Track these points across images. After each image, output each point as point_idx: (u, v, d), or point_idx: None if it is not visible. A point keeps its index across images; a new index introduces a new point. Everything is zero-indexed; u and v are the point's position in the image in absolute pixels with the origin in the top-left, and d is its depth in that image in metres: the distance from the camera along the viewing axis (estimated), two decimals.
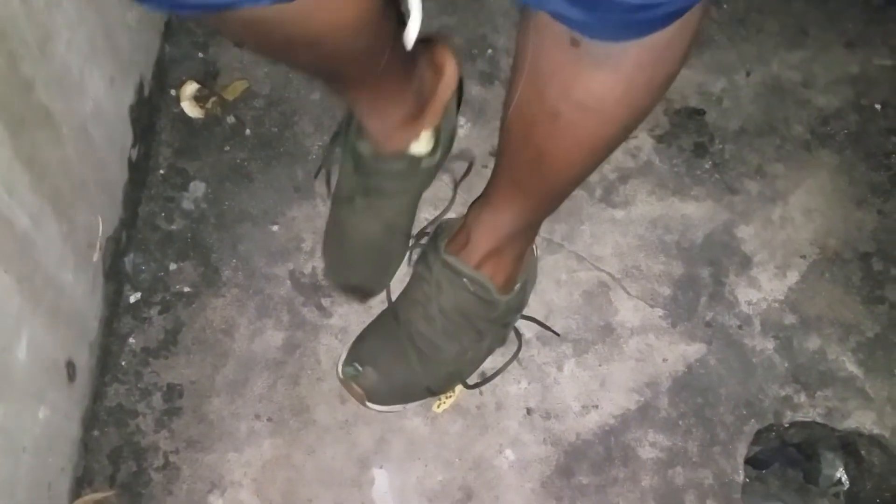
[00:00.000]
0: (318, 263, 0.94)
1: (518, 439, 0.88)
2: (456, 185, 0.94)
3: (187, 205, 0.97)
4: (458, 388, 0.88)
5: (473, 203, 0.84)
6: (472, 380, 0.88)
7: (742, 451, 0.87)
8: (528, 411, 0.89)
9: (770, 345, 0.92)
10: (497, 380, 0.90)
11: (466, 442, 0.87)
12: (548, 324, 0.91)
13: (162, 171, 0.99)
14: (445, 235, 0.84)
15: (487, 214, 0.80)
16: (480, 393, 0.90)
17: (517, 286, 0.85)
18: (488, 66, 1.03)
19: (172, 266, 0.94)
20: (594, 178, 0.98)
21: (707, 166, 0.99)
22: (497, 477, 0.86)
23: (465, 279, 0.81)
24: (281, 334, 0.91)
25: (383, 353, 0.84)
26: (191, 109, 1.02)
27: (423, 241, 0.90)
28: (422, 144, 0.82)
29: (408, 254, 0.92)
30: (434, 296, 0.82)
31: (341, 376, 0.85)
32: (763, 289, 0.94)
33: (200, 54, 1.05)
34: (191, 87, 1.02)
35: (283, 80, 1.02)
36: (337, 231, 0.89)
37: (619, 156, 0.99)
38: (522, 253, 0.85)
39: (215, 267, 0.94)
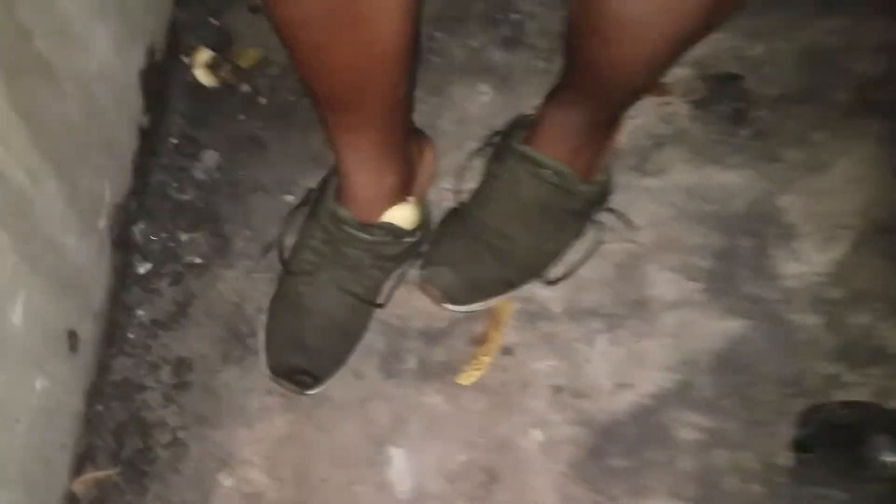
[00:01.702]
0: None
1: (546, 419, 0.82)
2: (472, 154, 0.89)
3: (200, 174, 0.93)
4: (487, 359, 0.83)
5: (549, 95, 0.78)
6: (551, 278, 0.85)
7: (787, 432, 0.81)
8: (557, 390, 0.84)
9: (815, 320, 0.86)
10: (521, 356, 0.85)
11: (490, 421, 0.82)
12: (576, 298, 0.85)
13: (174, 140, 0.95)
14: (519, 132, 0.80)
15: (560, 110, 0.76)
16: (505, 370, 0.84)
17: (600, 177, 0.81)
18: (512, 31, 0.98)
19: (184, 237, 0.90)
20: (626, 145, 0.92)
21: (746, 134, 0.93)
22: (523, 458, 0.81)
23: (545, 170, 0.77)
24: None
25: (456, 252, 0.82)
26: (204, 77, 0.98)
27: (495, 140, 0.85)
28: (408, 216, 0.78)
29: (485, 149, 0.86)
30: (510, 190, 0.79)
31: (419, 279, 0.82)
32: (807, 261, 0.88)
33: (214, 20, 1.01)
34: (204, 54, 0.98)
35: None
36: (290, 307, 0.80)
37: (652, 122, 0.94)
38: (603, 143, 0.80)
39: (227, 238, 0.90)
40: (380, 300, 0.82)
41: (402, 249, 0.79)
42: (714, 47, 0.97)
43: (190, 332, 0.86)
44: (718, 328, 0.86)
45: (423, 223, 0.81)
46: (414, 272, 0.83)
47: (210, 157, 0.94)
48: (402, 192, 0.77)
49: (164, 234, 0.90)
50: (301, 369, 0.79)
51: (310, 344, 0.79)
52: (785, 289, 0.87)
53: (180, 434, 0.82)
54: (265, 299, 0.86)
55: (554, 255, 0.84)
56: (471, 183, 0.86)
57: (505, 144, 0.81)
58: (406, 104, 0.72)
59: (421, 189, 0.83)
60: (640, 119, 0.94)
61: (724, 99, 0.95)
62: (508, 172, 0.79)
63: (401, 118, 0.71)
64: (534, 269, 0.83)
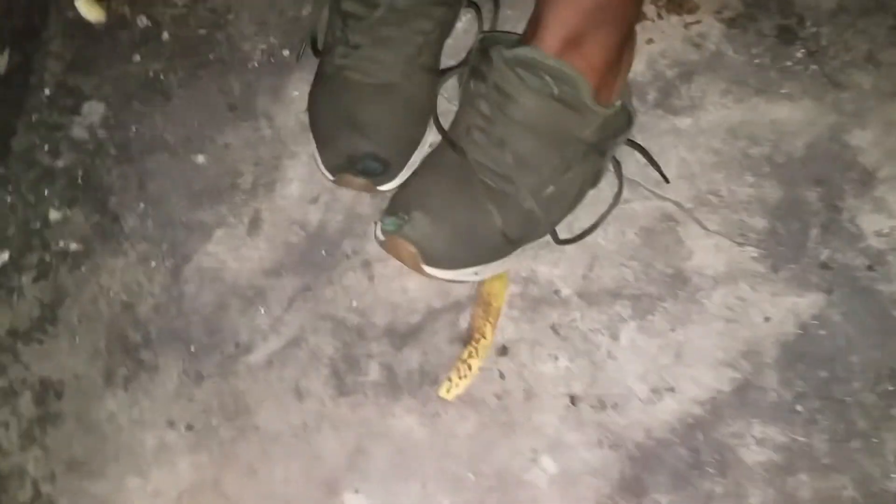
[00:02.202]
0: (262, 205, 0.66)
1: (560, 441, 0.59)
2: (481, 25, 0.68)
3: (79, 132, 0.69)
4: (477, 362, 0.60)
5: None
6: (562, 235, 0.62)
7: (893, 444, 0.58)
8: (573, 400, 0.61)
9: None
10: (523, 356, 0.62)
11: (483, 447, 0.59)
12: (592, 275, 0.63)
13: (47, 91, 0.71)
14: (506, 42, 0.58)
15: None
16: (501, 376, 0.61)
17: (618, 102, 0.59)
18: None
19: (54, 214, 0.67)
20: (645, 76, 0.70)
21: (799, 55, 0.71)
22: (531, 498, 0.57)
23: (545, 75, 0.55)
24: (209, 304, 0.63)
25: (436, 191, 0.58)
26: (88, 10, 0.74)
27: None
28: None
29: (449, 76, 0.66)
30: (499, 109, 0.57)
31: (381, 237, 0.58)
32: (894, 213, 0.66)
33: None
34: None
35: None
36: (331, 87, 0.63)
37: (676, 46, 0.72)
38: (620, 41, 0.59)
39: (115, 214, 0.66)
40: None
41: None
42: None
43: (59, 344, 0.62)
44: (786, 307, 0.63)
45: None
46: (378, 225, 0.59)
47: (93, 110, 0.70)
48: None
49: (26, 212, 0.66)
50: (362, 153, 0.61)
51: (366, 120, 0.62)
52: (871, 251, 0.65)
53: (45, 488, 0.57)
54: (165, 294, 0.62)
55: (562, 205, 0.62)
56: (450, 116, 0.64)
57: (485, 54, 0.58)
58: None
59: None
60: (661, 43, 0.72)
61: (766, 14, 0.73)
62: (493, 86, 0.57)
63: None
64: (539, 221, 0.60)
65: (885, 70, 0.71)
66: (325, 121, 0.64)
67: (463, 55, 0.70)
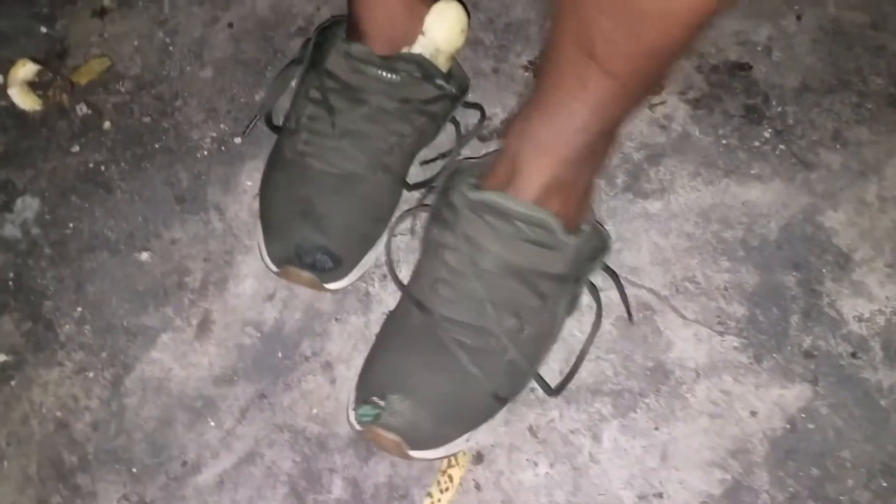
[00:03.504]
0: (212, 305, 0.61)
1: None
2: (460, 137, 0.66)
3: (11, 231, 0.64)
4: (459, 472, 0.55)
5: (513, 119, 0.55)
6: (552, 379, 0.58)
7: None
8: None
9: None
10: (500, 462, 0.58)
11: None
12: (570, 376, 0.59)
13: None
14: (471, 174, 0.55)
15: (540, 126, 0.50)
16: (477, 487, 0.57)
17: (587, 226, 0.55)
18: None
19: None
20: (613, 160, 0.68)
21: (766, 135, 0.71)
22: None
23: (518, 222, 0.51)
24: (152, 419, 0.57)
25: (409, 367, 0.53)
26: (23, 99, 0.70)
27: (429, 198, 0.62)
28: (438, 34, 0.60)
29: (403, 220, 0.62)
30: (468, 260, 0.52)
31: (357, 427, 0.52)
32: (876, 297, 0.64)
33: (43, 28, 0.74)
34: (25, 70, 0.71)
35: (159, 55, 0.72)
36: (290, 171, 0.60)
37: (642, 128, 0.70)
38: (593, 181, 0.56)
39: (49, 321, 0.61)
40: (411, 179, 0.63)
41: (434, 99, 0.61)
42: (710, 32, 0.75)
43: None
44: (771, 400, 0.60)
45: (459, 79, 0.65)
46: (351, 413, 0.54)
47: (27, 206, 0.65)
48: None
49: None
50: (314, 245, 0.57)
51: (322, 212, 0.58)
52: (854, 337, 0.63)
53: None
54: (104, 410, 0.57)
55: (544, 345, 0.58)
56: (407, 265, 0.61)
57: (446, 199, 0.55)
58: None
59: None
60: (627, 126, 0.70)
61: (731, 94, 0.72)
62: (461, 236, 0.53)
63: None
64: (523, 369, 0.56)
65: (852, 149, 0.70)
66: (277, 208, 0.59)
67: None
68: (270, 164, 0.62)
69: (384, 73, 0.58)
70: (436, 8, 0.61)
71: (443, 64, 0.62)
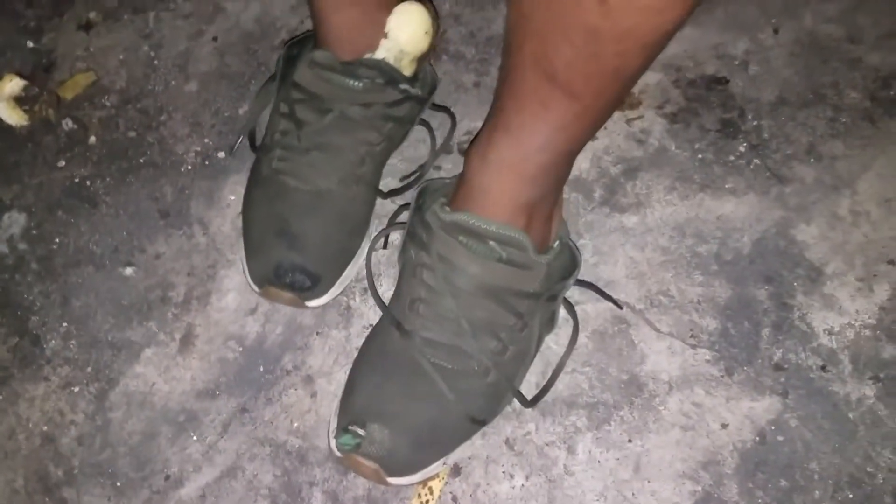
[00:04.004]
0: (195, 320, 0.63)
1: None
2: (434, 145, 0.66)
3: None
4: (440, 484, 0.57)
5: (474, 140, 0.55)
6: (528, 391, 0.60)
7: None
8: None
9: (869, 390, 0.63)
10: (477, 475, 0.59)
11: None
12: (547, 388, 0.60)
13: None
14: (440, 195, 0.57)
15: (504, 147, 0.50)
16: (454, 500, 0.58)
17: (556, 244, 0.57)
18: None
19: None
20: (590, 173, 0.69)
21: (742, 149, 0.72)
22: None
23: (490, 242, 0.52)
24: (136, 433, 0.59)
25: (388, 394, 0.54)
26: (9, 114, 0.71)
27: (400, 219, 0.64)
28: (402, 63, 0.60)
29: (379, 240, 0.63)
30: (444, 279, 0.54)
31: (338, 454, 0.54)
32: (846, 311, 0.65)
33: (29, 42, 0.75)
34: (11, 84, 0.71)
35: (144, 68, 0.73)
36: (267, 190, 0.61)
37: (619, 142, 0.71)
38: (557, 199, 0.57)
39: (35, 336, 0.62)
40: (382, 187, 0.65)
41: (400, 103, 0.61)
42: (687, 46, 0.76)
43: None
44: (742, 412, 0.62)
45: (426, 80, 0.64)
46: (332, 441, 0.55)
47: (13, 222, 0.66)
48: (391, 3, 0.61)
49: None
50: (292, 265, 0.58)
51: (298, 231, 0.59)
52: (823, 350, 0.64)
53: None
54: (90, 424, 0.58)
55: (525, 362, 0.59)
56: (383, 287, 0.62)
57: (421, 217, 0.56)
58: None
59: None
60: (604, 139, 0.72)
61: (708, 108, 0.73)
62: (436, 256, 0.54)
63: None
64: (505, 389, 0.57)
65: (826, 163, 0.71)
66: (256, 227, 0.61)
67: (411, 164, 0.68)
68: (250, 180, 0.63)
69: (347, 80, 0.58)
70: (398, 9, 0.61)
71: (407, 66, 0.62)
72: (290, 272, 0.58)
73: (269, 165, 0.61)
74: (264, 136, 0.64)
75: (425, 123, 0.67)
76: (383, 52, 0.60)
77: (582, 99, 0.45)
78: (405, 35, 0.60)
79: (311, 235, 0.59)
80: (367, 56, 0.59)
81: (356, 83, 0.58)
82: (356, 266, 0.63)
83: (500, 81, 0.50)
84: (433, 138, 0.67)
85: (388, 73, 0.59)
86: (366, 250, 0.62)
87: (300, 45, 0.63)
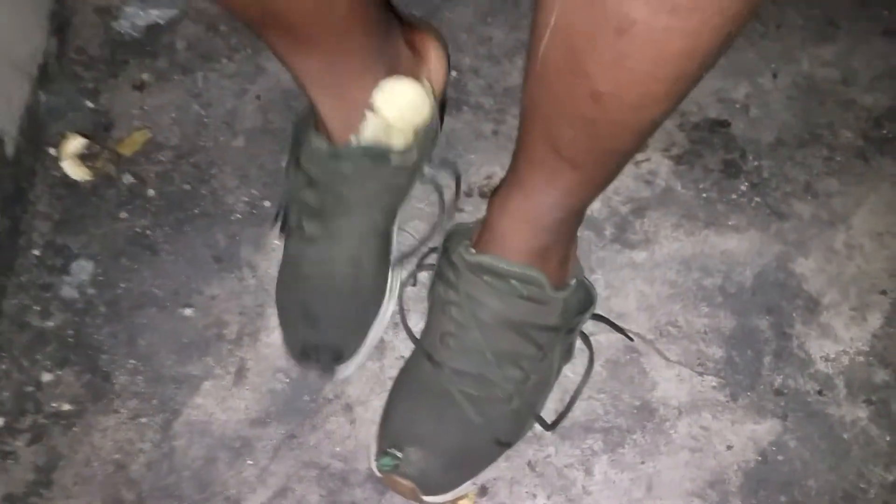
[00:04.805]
0: (247, 354, 0.69)
1: None
2: (443, 206, 0.71)
3: (68, 292, 0.73)
4: (472, 494, 0.63)
5: (497, 190, 0.61)
6: (548, 416, 0.66)
7: None
8: None
9: (862, 412, 0.68)
10: (502, 495, 0.65)
11: None
12: (565, 412, 0.66)
13: (36, 252, 0.75)
14: (464, 239, 0.62)
15: (520, 202, 0.57)
16: None
17: (573, 281, 0.63)
18: (453, 91, 0.82)
19: (46, 377, 0.69)
20: (601, 212, 0.75)
21: (743, 188, 0.77)
22: None
23: (512, 281, 0.59)
24: (198, 458, 0.66)
25: (422, 419, 0.61)
26: (74, 170, 0.78)
27: (427, 260, 0.70)
28: (394, 138, 0.62)
29: (409, 280, 0.70)
30: (471, 315, 0.60)
31: (378, 474, 0.62)
32: (841, 338, 0.71)
33: (89, 103, 0.82)
34: (75, 143, 0.79)
35: (195, 126, 0.80)
36: (290, 273, 0.67)
37: (628, 183, 0.77)
38: (571, 243, 0.64)
39: (106, 373, 0.69)
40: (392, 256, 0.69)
41: (394, 181, 0.64)
42: (693, 92, 0.82)
43: None
44: (745, 434, 0.67)
45: (419, 142, 0.64)
46: (373, 463, 0.63)
47: (82, 269, 0.73)
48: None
49: (19, 375, 0.69)
50: (315, 344, 0.65)
51: (317, 312, 0.65)
52: (820, 376, 0.70)
53: None
54: (156, 451, 0.65)
55: (545, 390, 0.65)
56: (414, 321, 0.70)
57: (448, 259, 0.62)
58: (365, 21, 0.56)
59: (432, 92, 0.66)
60: (615, 182, 0.77)
61: (711, 150, 0.79)
62: (463, 294, 0.60)
63: (368, 31, 0.56)
64: (527, 415, 0.64)
65: (822, 199, 0.77)
66: (284, 307, 0.68)
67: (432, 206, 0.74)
68: (282, 258, 0.69)
69: (337, 165, 0.61)
70: (384, 86, 0.60)
71: (398, 138, 0.62)
72: (314, 351, 0.65)
73: (288, 249, 0.67)
74: (288, 220, 0.68)
75: (434, 184, 0.70)
76: (370, 127, 0.60)
77: (585, 170, 0.51)
78: (391, 112, 0.60)
79: (329, 316, 0.65)
80: (353, 138, 0.60)
81: (346, 168, 0.61)
82: (375, 331, 0.68)
83: (516, 145, 0.57)
84: (442, 202, 0.71)
85: (375, 154, 0.61)
86: (384, 315, 0.68)
87: (304, 122, 0.65)
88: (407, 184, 0.67)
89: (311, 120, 0.63)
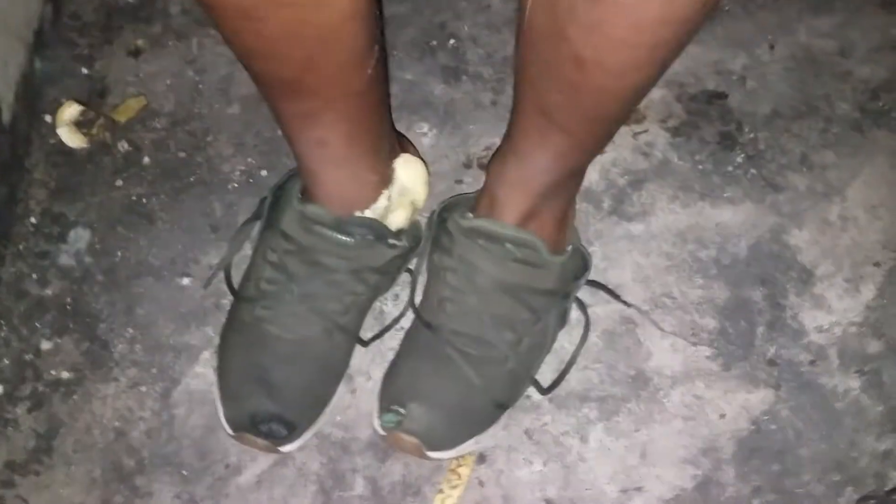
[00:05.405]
0: None
1: None
2: (413, 295, 0.67)
3: (66, 260, 0.72)
4: (467, 471, 0.64)
5: (493, 157, 0.63)
6: (545, 384, 0.66)
7: None
8: (548, 503, 0.65)
9: (855, 383, 0.69)
10: (500, 462, 0.66)
11: None
12: (560, 378, 0.67)
13: (33, 220, 0.74)
14: (461, 207, 0.63)
15: (514, 167, 0.58)
16: (481, 484, 0.65)
17: (569, 247, 0.64)
18: (452, 60, 0.82)
19: (45, 344, 0.69)
20: (599, 185, 0.76)
21: (739, 160, 0.78)
22: None
23: (506, 243, 0.60)
24: (198, 427, 0.66)
25: (424, 378, 0.62)
26: (70, 137, 0.78)
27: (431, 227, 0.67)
28: (396, 213, 0.63)
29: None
30: (467, 279, 0.61)
31: (381, 431, 0.62)
32: (834, 309, 0.72)
33: (84, 69, 0.82)
34: (71, 110, 0.78)
35: (190, 92, 0.79)
36: (248, 337, 0.63)
37: (625, 155, 0.77)
38: (567, 208, 0.65)
39: (104, 341, 0.69)
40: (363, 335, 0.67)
41: (388, 259, 0.63)
42: (688, 62, 0.82)
43: (56, 475, 0.64)
44: (739, 403, 0.68)
45: (412, 232, 0.66)
46: (376, 421, 0.63)
47: (79, 237, 0.73)
48: (387, 169, 0.63)
49: (18, 343, 0.69)
50: (269, 414, 0.60)
51: (277, 380, 0.61)
52: (813, 346, 0.71)
53: None
54: (156, 419, 0.66)
55: (540, 354, 0.66)
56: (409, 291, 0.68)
57: (444, 226, 0.63)
58: (379, 91, 0.57)
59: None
60: (612, 153, 0.78)
61: (707, 122, 0.80)
62: (460, 255, 0.61)
63: (374, 106, 0.57)
64: (523, 377, 0.65)
65: (817, 171, 0.77)
66: (234, 373, 0.62)
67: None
68: (228, 324, 0.65)
69: (338, 236, 0.60)
70: (405, 158, 0.64)
71: (402, 213, 0.63)
72: (266, 422, 0.60)
73: (250, 313, 0.62)
74: (245, 280, 0.64)
75: (409, 271, 0.68)
76: (384, 199, 0.61)
77: (575, 135, 0.53)
78: (408, 180, 0.64)
79: (290, 385, 0.61)
80: (358, 213, 0.60)
81: (347, 239, 0.60)
82: (330, 410, 0.65)
83: (511, 112, 0.57)
84: (413, 289, 0.67)
85: (377, 230, 0.61)
86: (341, 396, 0.66)
87: (284, 188, 0.64)
88: (394, 271, 0.66)
89: (292, 186, 0.62)
